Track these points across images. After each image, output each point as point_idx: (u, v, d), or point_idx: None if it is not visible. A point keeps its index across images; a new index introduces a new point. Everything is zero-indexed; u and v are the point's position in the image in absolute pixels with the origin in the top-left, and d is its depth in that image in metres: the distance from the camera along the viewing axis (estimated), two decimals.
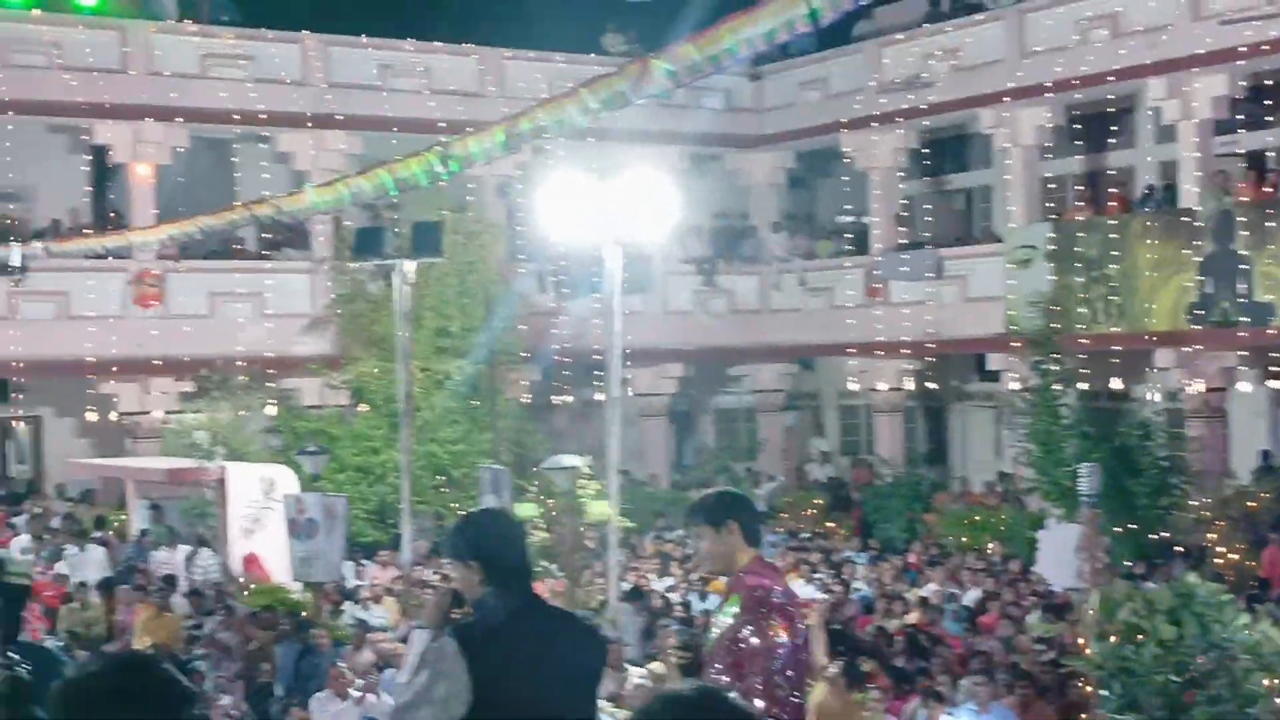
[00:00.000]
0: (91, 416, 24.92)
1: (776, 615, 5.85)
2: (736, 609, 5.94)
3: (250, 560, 19.62)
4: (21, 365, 23.85)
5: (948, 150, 29.86)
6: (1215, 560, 19.07)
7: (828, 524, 25.55)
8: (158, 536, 21.61)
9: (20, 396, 26.10)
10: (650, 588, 19.29)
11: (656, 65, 8.10)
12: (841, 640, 15.22)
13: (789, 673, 5.82)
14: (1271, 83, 23.10)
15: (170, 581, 18.95)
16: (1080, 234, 24.01)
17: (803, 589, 19.33)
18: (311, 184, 14.82)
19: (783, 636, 5.80)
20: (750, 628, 5.82)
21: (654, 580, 20.04)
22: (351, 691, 13.81)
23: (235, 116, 25.56)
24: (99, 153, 26.06)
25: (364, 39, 26.97)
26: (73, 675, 3.04)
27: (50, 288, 23.39)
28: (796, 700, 5.86)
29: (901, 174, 29.03)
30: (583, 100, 9.20)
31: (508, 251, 27.08)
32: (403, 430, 19.06)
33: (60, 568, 19.79)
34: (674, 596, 18.74)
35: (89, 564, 19.98)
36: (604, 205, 17.49)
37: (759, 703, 5.76)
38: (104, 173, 27.00)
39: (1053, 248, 24.25)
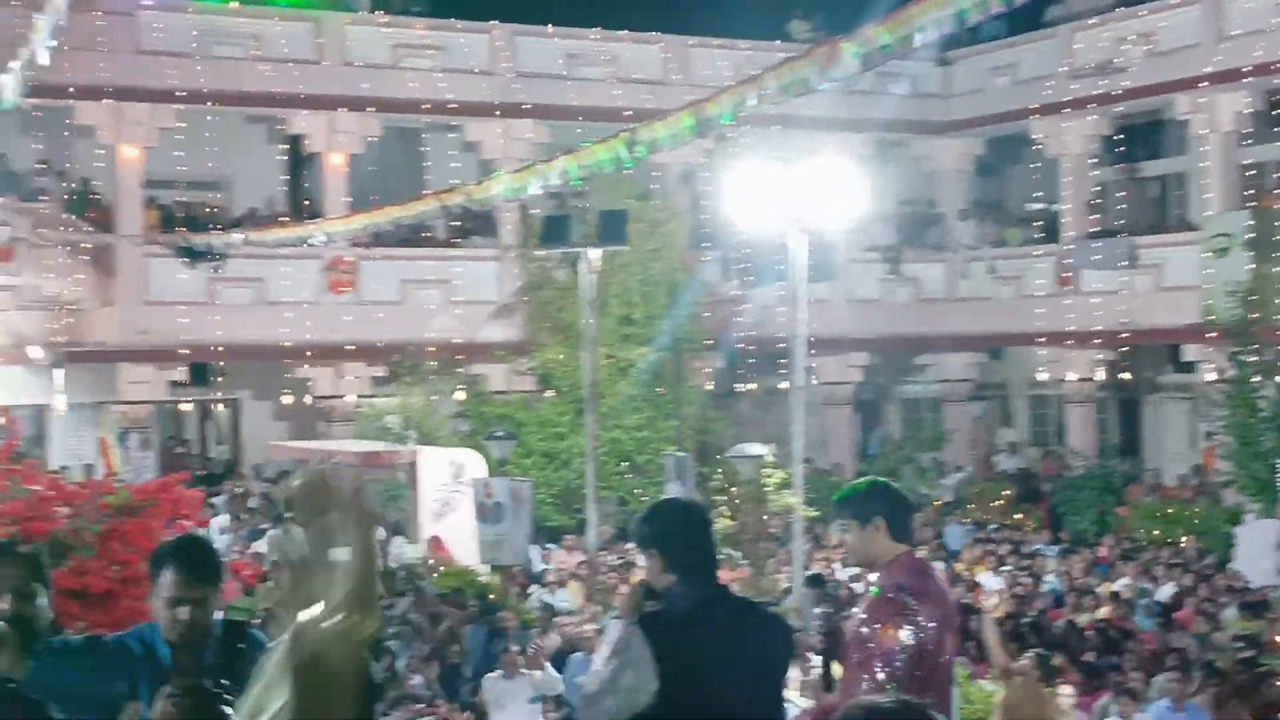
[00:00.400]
0: (288, 400, 25.53)
1: (900, 617, 5.66)
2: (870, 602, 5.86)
3: (435, 543, 19.94)
4: (221, 349, 24.51)
5: (1141, 136, 29.17)
6: None
7: (1016, 515, 25.17)
8: None
9: (220, 380, 26.84)
10: (835, 577, 19.20)
11: (845, 48, 8.05)
12: (1032, 634, 15.02)
13: (917, 673, 5.62)
14: None
15: None
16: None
17: (990, 581, 19.13)
18: (502, 172, 15.01)
19: (905, 633, 5.62)
20: (867, 628, 5.71)
21: (838, 569, 19.93)
22: (521, 670, 13.91)
23: (425, 106, 25.96)
24: (294, 142, 26.65)
25: (550, 28, 27.21)
26: None
27: (248, 274, 24.01)
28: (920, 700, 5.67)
29: (1093, 161, 28.46)
30: (768, 85, 9.17)
31: (692, 239, 27.12)
32: (588, 416, 19.21)
33: (258, 547, 20.30)
34: (858, 586, 18.62)
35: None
36: (789, 192, 17.45)
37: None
38: (299, 162, 27.63)
39: (1251, 235, 23.58)
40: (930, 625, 5.69)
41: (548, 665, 14.19)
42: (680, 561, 5.36)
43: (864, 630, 5.71)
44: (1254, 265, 23.37)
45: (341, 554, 1.89)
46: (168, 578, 5.10)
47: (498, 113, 26.33)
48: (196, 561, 5.19)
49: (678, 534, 5.41)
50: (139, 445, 23.93)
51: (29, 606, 5.33)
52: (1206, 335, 23.84)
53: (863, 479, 6.36)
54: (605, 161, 11.22)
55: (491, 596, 17.89)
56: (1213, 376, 23.24)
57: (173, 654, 5.03)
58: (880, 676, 5.59)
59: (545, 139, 25.94)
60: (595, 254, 19.75)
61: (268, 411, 27.02)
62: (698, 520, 5.56)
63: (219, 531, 20.98)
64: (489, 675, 14.17)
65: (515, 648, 14.57)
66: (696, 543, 5.42)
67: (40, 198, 24.93)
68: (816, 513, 20.48)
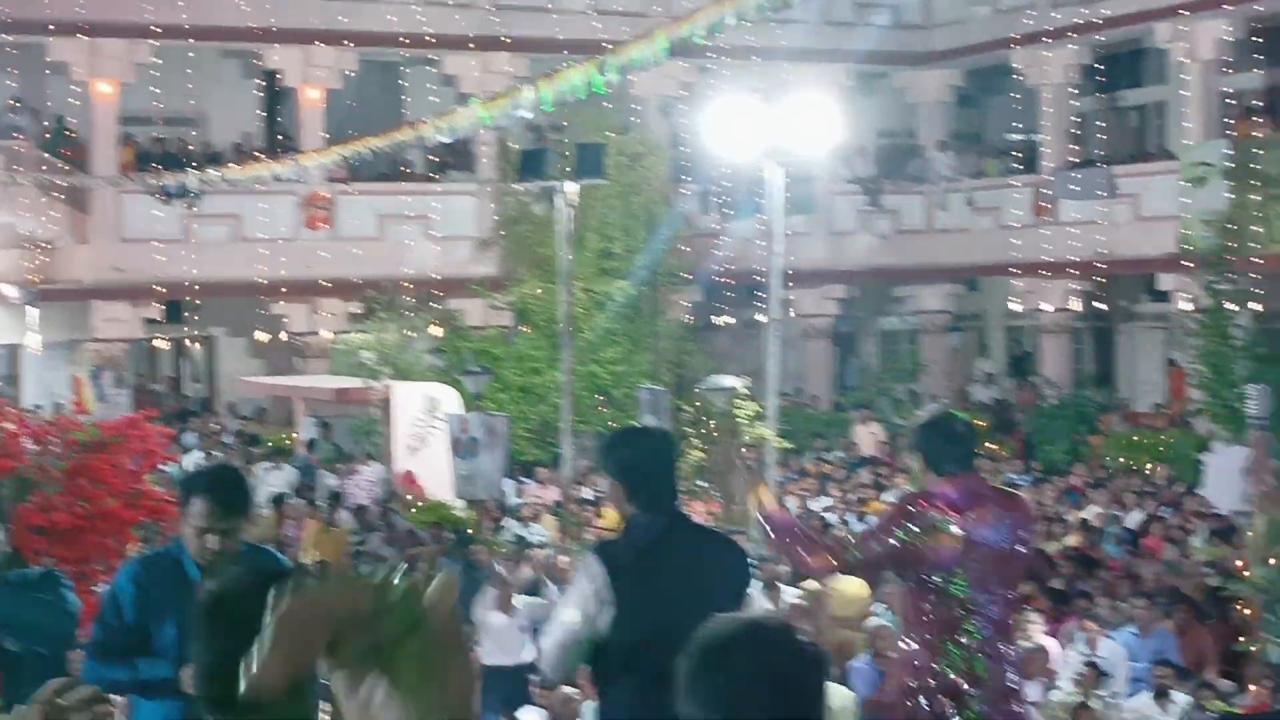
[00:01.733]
0: (262, 337, 25.52)
1: (912, 522, 5.97)
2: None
3: (407, 478, 20.01)
4: (196, 287, 24.47)
5: (1121, 66, 29.06)
6: None
7: (990, 445, 25.28)
8: (323, 454, 22.09)
9: (195, 317, 26.81)
10: (807, 508, 19.28)
11: None
12: None
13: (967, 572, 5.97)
14: None
15: (337, 498, 19.40)
16: (1259, 151, 23.29)
17: None
18: (475, 99, 14.94)
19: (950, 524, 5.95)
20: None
21: (811, 501, 20.02)
22: (515, 603, 13.90)
23: (403, 39, 25.80)
24: (270, 77, 26.52)
25: None
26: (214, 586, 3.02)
27: (223, 210, 23.95)
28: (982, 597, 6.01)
29: (1073, 90, 28.36)
30: (744, 2, 9.09)
31: (671, 172, 27.06)
32: (564, 351, 19.22)
33: None
34: (831, 517, 18.73)
35: (282, 483, 20.22)
36: (767, 125, 17.38)
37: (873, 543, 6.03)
38: (275, 97, 27.49)
39: (1230, 165, 23.57)
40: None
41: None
42: (639, 490, 5.42)
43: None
44: (1232, 195, 23.37)
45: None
46: (198, 507, 5.23)
47: (473, 46, 26.18)
48: (227, 492, 5.31)
49: (638, 462, 5.45)
50: (113, 383, 23.92)
51: None
52: (1183, 265, 23.87)
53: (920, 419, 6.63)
54: (578, 86, 11.18)
55: (469, 530, 17.98)
56: (1188, 306, 23.27)
57: (203, 577, 5.11)
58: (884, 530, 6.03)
59: (524, 72, 25.74)
60: (573, 188, 19.70)
61: (242, 348, 27.02)
62: (658, 449, 5.58)
63: (193, 468, 21.00)
64: (482, 605, 14.08)
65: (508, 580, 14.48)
66: (656, 470, 5.46)
67: (14, 135, 24.79)
68: (791, 445, 20.57)
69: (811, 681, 2.63)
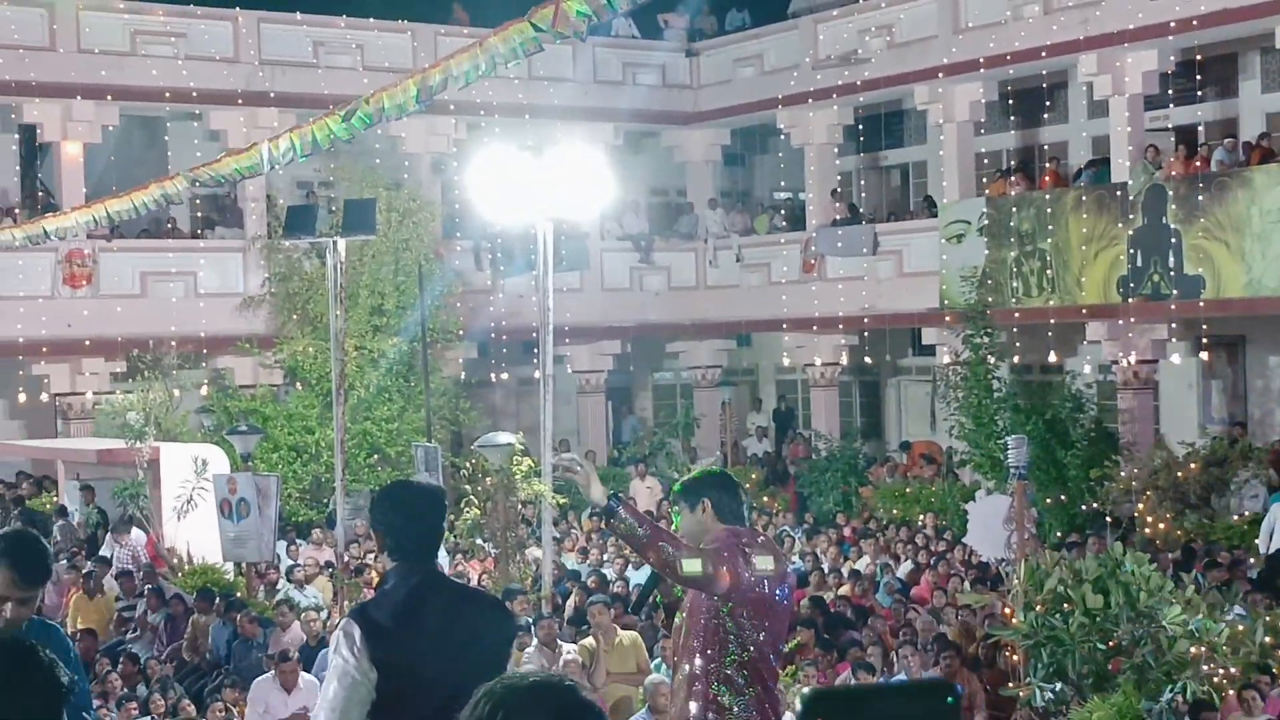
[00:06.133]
0: (23, 398, 24.67)
1: (739, 551, 6.24)
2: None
3: (149, 543, 19.64)
4: None
5: (883, 126, 29.95)
6: (1144, 530, 19.25)
7: (764, 498, 25.64)
8: (87, 518, 21.43)
9: None
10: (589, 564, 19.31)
11: (569, 5, 8.02)
12: None
13: (741, 614, 6.21)
14: (1201, 57, 23.26)
15: (105, 563, 18.81)
16: (1014, 209, 24.13)
17: None
18: (224, 153, 14.66)
19: (741, 579, 6.19)
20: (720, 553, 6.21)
21: (588, 557, 20.05)
22: (300, 682, 13.50)
23: (167, 94, 25.31)
24: (29, 131, 25.77)
25: (297, 16, 26.76)
26: None
27: None
28: (750, 639, 6.14)
29: (837, 150, 29.11)
30: (493, 48, 9.09)
31: (443, 229, 27.02)
32: (336, 409, 18.95)
33: None
34: (609, 572, 18.76)
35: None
36: (538, 182, 17.46)
37: (724, 569, 6.13)
38: (33, 151, 26.71)
39: (986, 223, 24.38)
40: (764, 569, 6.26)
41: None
42: (396, 546, 5.36)
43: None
44: (989, 251, 24.16)
45: None
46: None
47: (242, 101, 25.81)
48: (29, 559, 5.16)
49: (398, 516, 5.38)
50: None
51: None
52: (945, 319, 24.57)
53: (698, 469, 6.96)
54: (327, 135, 11.07)
55: (238, 594, 17.57)
56: (950, 359, 23.94)
57: None
58: (731, 567, 6.14)
59: (291, 126, 25.47)
60: (342, 244, 19.49)
61: (2, 410, 26.09)
62: (423, 504, 5.51)
63: None
64: (260, 679, 13.65)
65: (293, 658, 14.02)
66: (415, 528, 5.39)
67: None
68: (566, 500, 20.57)
69: None
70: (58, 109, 24.67)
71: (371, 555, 18.26)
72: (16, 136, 26.35)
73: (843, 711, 1.64)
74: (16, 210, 24.89)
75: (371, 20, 27.49)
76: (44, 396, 24.49)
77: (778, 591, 6.34)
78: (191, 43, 25.68)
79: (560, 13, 8.03)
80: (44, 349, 24.05)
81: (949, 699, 1.68)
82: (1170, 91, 23.26)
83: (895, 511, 23.29)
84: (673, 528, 6.56)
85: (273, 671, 13.56)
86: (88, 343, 24.16)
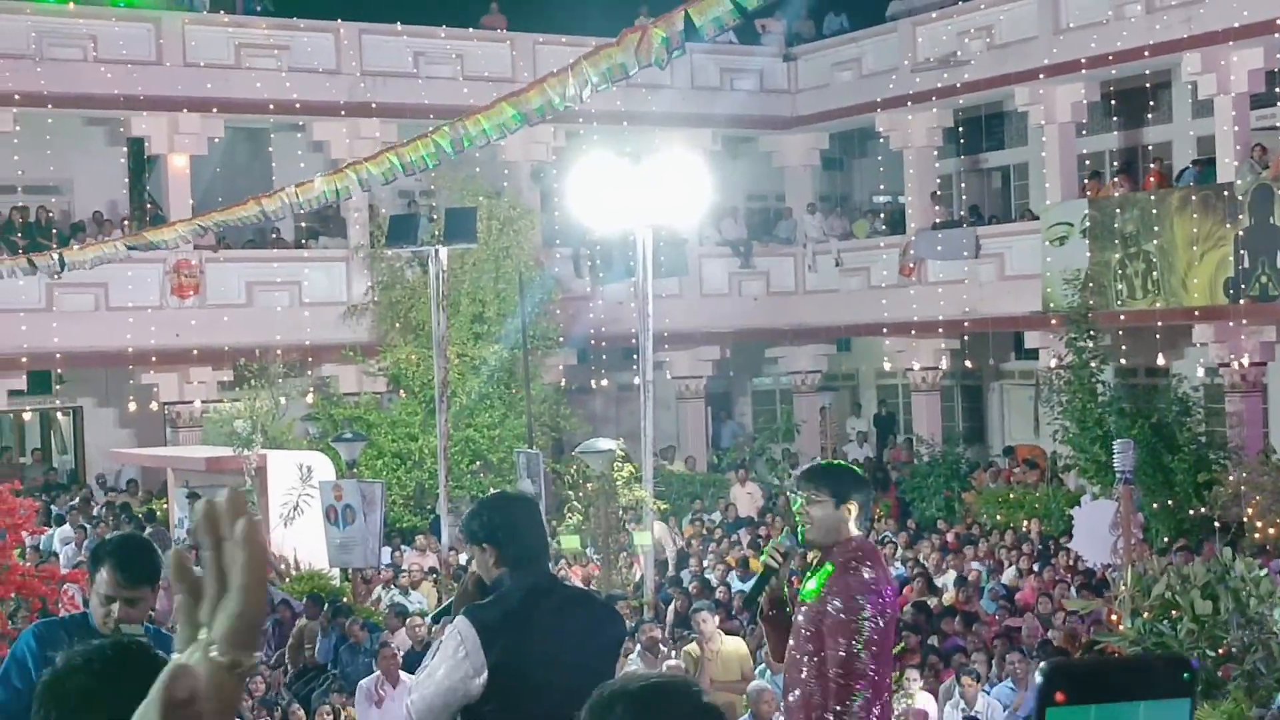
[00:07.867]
0: (132, 407, 25.11)
1: (865, 593, 5.88)
2: (823, 581, 5.99)
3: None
4: (60, 357, 24.03)
5: (983, 128, 29.74)
6: (1254, 535, 18.97)
7: None
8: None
9: (61, 388, 26.30)
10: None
11: (654, 33, 8.09)
12: None
13: (873, 648, 5.85)
14: None
15: None
16: (1117, 210, 23.88)
17: None
18: (321, 174, 14.83)
19: (868, 612, 5.83)
20: (838, 601, 5.86)
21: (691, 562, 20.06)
22: (404, 678, 13.64)
23: (270, 106, 25.66)
24: (136, 145, 26.22)
25: (398, 27, 27.04)
26: (60, 665, 3.00)
27: (88, 279, 23.52)
28: (875, 675, 5.87)
29: (937, 153, 28.93)
30: (583, 72, 9.18)
31: (543, 236, 27.17)
32: (439, 416, 19.13)
33: None
34: (711, 577, 18.77)
35: None
36: (637, 189, 17.54)
37: (835, 670, 5.82)
38: (141, 164, 27.16)
39: (1089, 224, 24.14)
40: (889, 601, 5.99)
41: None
42: (510, 554, 5.41)
43: (831, 605, 5.87)
44: (1092, 253, 23.91)
45: (234, 584, 1.83)
46: (103, 574, 5.27)
47: (344, 112, 26.11)
48: (132, 560, 5.33)
49: (507, 527, 5.45)
50: None
51: None
52: (1047, 322, 24.35)
53: (836, 461, 6.63)
54: (425, 156, 11.20)
55: (344, 599, 17.76)
56: (1054, 363, 23.72)
57: None
58: (846, 649, 5.81)
59: (393, 138, 25.66)
60: (444, 252, 19.66)
61: (112, 419, 26.55)
62: (526, 512, 5.61)
63: (61, 542, 20.60)
64: (366, 680, 13.85)
65: (392, 644, 14.24)
66: (525, 535, 5.47)
67: None
68: (668, 506, 20.63)
69: None
70: (164, 122, 25.07)
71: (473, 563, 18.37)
72: (125, 150, 26.79)
73: (1082, 683, 1.68)
74: (126, 222, 25.34)
75: (471, 30, 27.77)
76: (153, 405, 24.89)
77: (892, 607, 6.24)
78: (294, 55, 26.02)
79: (646, 39, 8.10)
80: (153, 358, 24.44)
81: (1185, 674, 1.72)
82: (1277, 89, 22.91)
83: (999, 517, 23.08)
84: (792, 510, 6.34)
85: (377, 674, 13.71)
86: (195, 352, 24.53)
